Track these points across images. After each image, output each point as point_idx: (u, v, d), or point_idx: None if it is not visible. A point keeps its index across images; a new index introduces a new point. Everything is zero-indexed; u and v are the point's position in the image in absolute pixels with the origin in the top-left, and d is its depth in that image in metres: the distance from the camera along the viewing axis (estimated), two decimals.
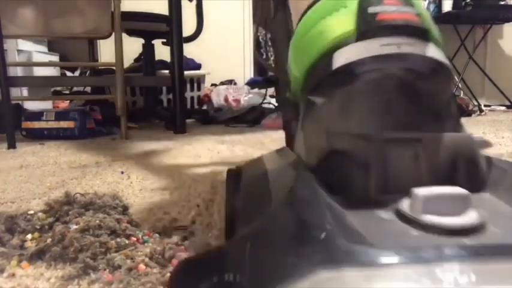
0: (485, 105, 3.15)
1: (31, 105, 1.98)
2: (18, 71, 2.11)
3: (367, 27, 0.31)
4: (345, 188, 0.26)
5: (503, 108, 3.40)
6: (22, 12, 1.55)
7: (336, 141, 0.29)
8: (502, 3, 3.28)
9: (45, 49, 2.46)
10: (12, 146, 1.34)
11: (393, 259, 0.17)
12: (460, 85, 3.44)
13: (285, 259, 0.18)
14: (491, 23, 3.49)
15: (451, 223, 0.20)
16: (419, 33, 0.31)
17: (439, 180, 0.26)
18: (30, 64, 2.24)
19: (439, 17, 3.33)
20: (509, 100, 3.42)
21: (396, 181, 0.26)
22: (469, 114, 2.65)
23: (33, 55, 2.23)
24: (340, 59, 0.31)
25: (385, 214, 0.23)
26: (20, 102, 1.93)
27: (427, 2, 3.44)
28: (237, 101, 2.24)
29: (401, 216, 0.22)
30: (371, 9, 0.31)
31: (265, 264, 0.20)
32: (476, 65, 3.46)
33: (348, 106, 0.30)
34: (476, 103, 3.13)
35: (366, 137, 0.27)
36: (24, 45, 2.18)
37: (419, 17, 0.32)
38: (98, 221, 0.49)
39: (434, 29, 0.33)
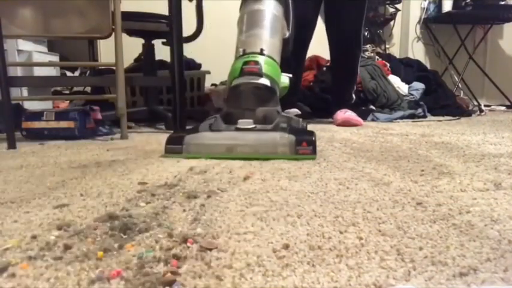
0: (485, 105, 3.15)
1: (31, 105, 1.98)
2: (18, 71, 2.11)
3: (241, 72, 1.23)
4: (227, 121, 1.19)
5: (503, 108, 3.40)
6: (22, 12, 1.55)
7: (229, 108, 1.22)
8: (502, 3, 3.28)
9: (45, 49, 2.45)
10: (12, 146, 1.34)
11: (220, 130, 1.16)
12: (460, 85, 3.44)
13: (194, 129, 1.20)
14: (491, 23, 3.49)
15: (241, 126, 1.15)
16: (258, 74, 1.22)
17: (258, 120, 1.18)
18: (30, 64, 2.24)
19: (439, 17, 3.34)
20: (509, 100, 3.42)
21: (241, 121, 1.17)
22: (469, 114, 2.65)
23: (33, 55, 2.23)
24: (234, 83, 1.24)
25: (232, 126, 1.17)
26: (20, 102, 1.93)
27: (427, 2, 3.44)
28: None
29: (235, 127, 1.16)
30: (243, 66, 1.23)
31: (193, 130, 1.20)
32: (476, 65, 3.46)
33: (234, 97, 1.23)
34: (476, 103, 3.13)
35: (236, 107, 1.21)
36: (24, 45, 2.18)
37: (259, 69, 1.22)
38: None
39: (268, 72, 1.23)
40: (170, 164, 0.99)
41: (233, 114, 1.18)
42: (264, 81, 1.21)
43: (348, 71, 2.15)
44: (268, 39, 1.35)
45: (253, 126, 1.14)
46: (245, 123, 1.14)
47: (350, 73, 2.16)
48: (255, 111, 1.18)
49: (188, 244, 0.47)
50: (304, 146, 1.05)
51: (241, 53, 1.29)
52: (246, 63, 1.23)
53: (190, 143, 1.09)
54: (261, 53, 1.26)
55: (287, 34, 1.46)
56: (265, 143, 1.07)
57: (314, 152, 1.05)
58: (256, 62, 1.22)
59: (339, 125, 1.99)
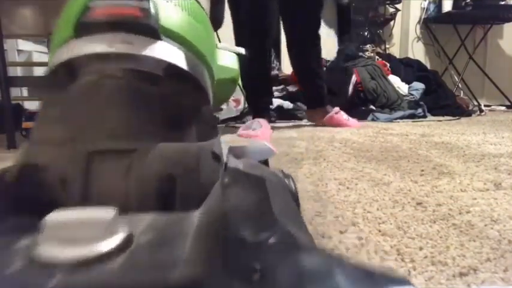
0: (485, 105, 3.15)
1: (31, 105, 1.98)
2: (18, 71, 2.11)
3: (84, 22, 0.27)
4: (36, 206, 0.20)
5: (503, 108, 3.40)
6: (22, 12, 1.55)
7: (33, 154, 0.24)
8: (502, 3, 3.28)
9: (45, 49, 2.45)
10: (12, 146, 1.34)
11: None
12: (460, 85, 3.44)
13: None
14: (491, 23, 3.49)
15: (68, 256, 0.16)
16: (143, 30, 0.27)
17: (150, 197, 0.23)
18: (30, 64, 2.24)
19: (439, 17, 3.34)
20: (509, 100, 3.42)
21: (100, 198, 0.22)
22: (469, 114, 2.65)
23: (33, 55, 2.23)
24: (56, 58, 0.27)
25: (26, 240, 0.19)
26: (20, 102, 1.93)
27: (427, 2, 3.44)
28: (237, 101, 2.24)
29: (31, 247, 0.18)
30: (91, 3, 0.27)
31: None
32: (476, 65, 3.46)
33: (59, 112, 0.25)
34: (476, 103, 3.13)
35: (66, 149, 0.23)
36: (24, 45, 2.18)
37: (144, 12, 0.27)
38: None
39: (175, 27, 0.29)
40: None
41: (39, 172, 0.23)
42: (165, 53, 0.28)
43: (307, 70, 1.96)
44: None
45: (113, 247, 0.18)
46: (80, 224, 0.17)
47: (311, 73, 1.96)
48: (129, 158, 0.23)
49: None
50: None
51: None
52: None
53: None
54: None
55: None
56: None
57: None
58: None
59: (324, 122, 1.91)
